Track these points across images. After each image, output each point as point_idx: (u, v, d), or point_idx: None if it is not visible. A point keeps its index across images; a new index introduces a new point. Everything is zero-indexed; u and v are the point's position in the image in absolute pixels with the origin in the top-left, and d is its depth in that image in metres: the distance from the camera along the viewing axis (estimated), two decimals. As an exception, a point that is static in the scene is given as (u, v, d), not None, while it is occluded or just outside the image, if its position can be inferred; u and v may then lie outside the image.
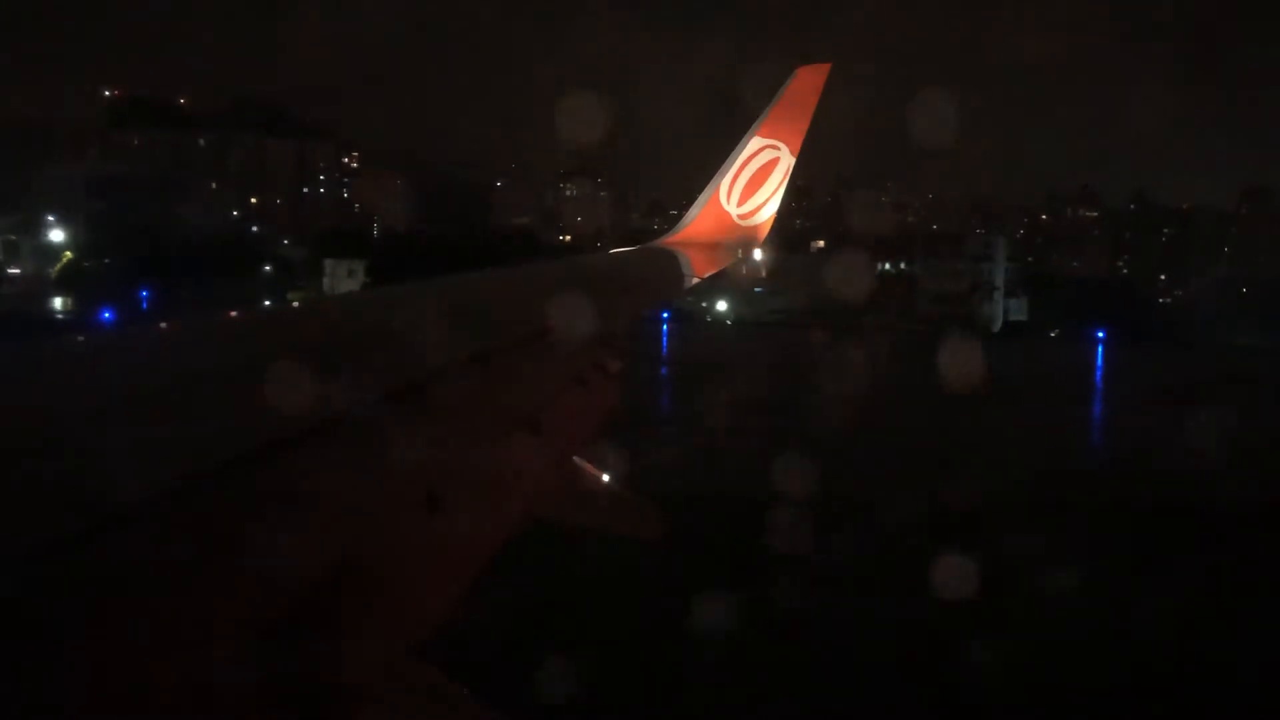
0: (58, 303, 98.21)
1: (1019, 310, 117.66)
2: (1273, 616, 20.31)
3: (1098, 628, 19.29)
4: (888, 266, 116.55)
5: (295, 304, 24.13)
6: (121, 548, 1.84)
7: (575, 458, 4.42)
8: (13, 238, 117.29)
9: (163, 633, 1.75)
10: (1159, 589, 21.20)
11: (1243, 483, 29.84)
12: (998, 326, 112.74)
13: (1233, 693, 17.34)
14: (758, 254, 12.68)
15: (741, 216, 12.24)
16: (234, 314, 4.76)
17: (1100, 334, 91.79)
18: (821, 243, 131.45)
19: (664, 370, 57.95)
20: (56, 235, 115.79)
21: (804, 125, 12.11)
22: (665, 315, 73.71)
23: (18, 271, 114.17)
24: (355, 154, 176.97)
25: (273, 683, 1.85)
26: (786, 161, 12.15)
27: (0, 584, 1.60)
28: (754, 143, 12.11)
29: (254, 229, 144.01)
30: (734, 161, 12.15)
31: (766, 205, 12.30)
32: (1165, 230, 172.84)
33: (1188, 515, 27.36)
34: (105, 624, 1.66)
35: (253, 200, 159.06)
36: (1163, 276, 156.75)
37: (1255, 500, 29.10)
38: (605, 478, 5.02)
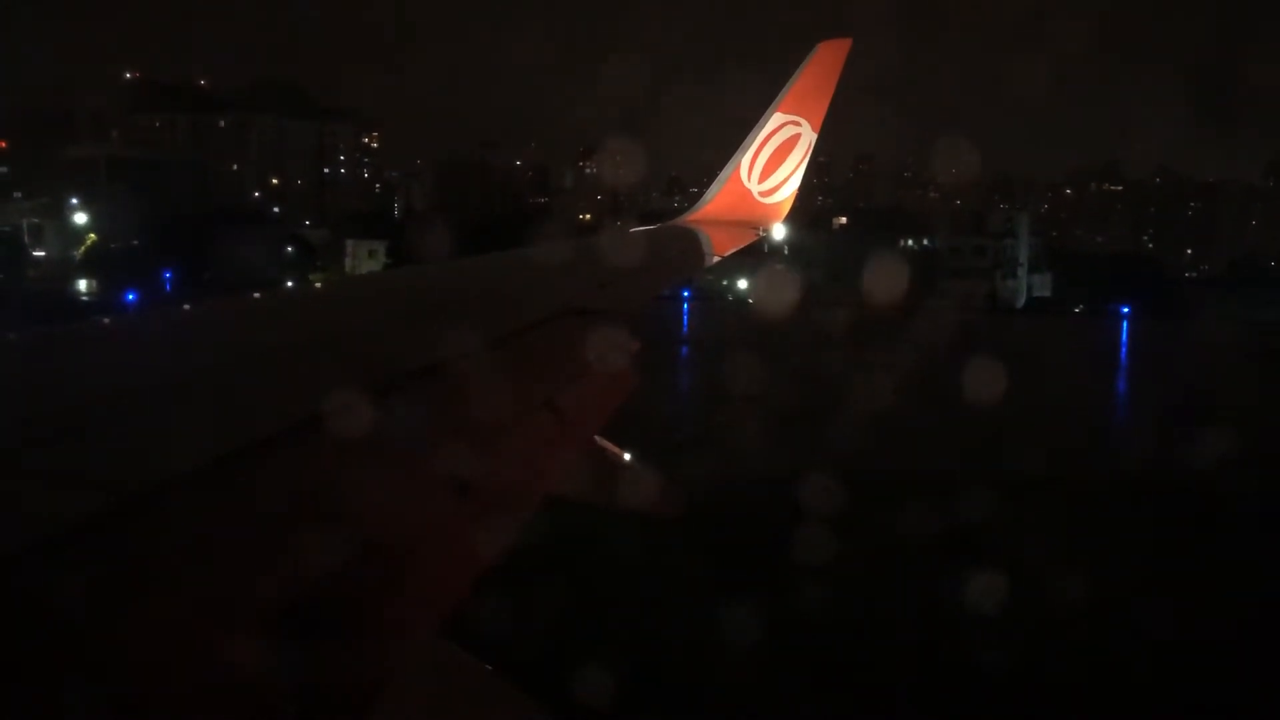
0: (82, 285, 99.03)
1: (1043, 287, 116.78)
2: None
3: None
4: (910, 244, 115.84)
5: (315, 286, 24.24)
6: (141, 530, 1.85)
7: (596, 437, 4.42)
8: (37, 221, 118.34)
9: (189, 612, 1.76)
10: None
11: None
12: (1021, 303, 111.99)
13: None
14: (779, 231, 12.59)
15: (763, 194, 12.15)
16: (252, 298, 4.78)
17: (1124, 310, 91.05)
18: (844, 219, 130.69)
19: (684, 350, 57.95)
20: (80, 218, 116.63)
21: (825, 101, 12.00)
22: (686, 294, 73.67)
23: (42, 254, 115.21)
24: (375, 134, 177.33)
25: (299, 662, 1.86)
26: (808, 138, 12.05)
27: (22, 567, 1.59)
28: (775, 119, 12.00)
29: (275, 210, 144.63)
30: (755, 138, 12.05)
31: (788, 182, 12.20)
32: (1191, 205, 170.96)
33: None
34: (131, 604, 1.69)
35: (273, 181, 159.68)
36: (1189, 251, 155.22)
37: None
38: (626, 457, 5.02)
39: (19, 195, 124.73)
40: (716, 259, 10.70)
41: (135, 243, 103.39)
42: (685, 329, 70.26)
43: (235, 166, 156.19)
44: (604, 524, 18.66)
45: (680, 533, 19.55)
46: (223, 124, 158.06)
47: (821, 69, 11.90)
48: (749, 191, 12.12)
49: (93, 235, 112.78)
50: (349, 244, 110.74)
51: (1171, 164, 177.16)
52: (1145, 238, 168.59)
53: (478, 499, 2.64)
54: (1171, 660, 17.08)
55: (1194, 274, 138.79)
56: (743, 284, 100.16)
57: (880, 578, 19.72)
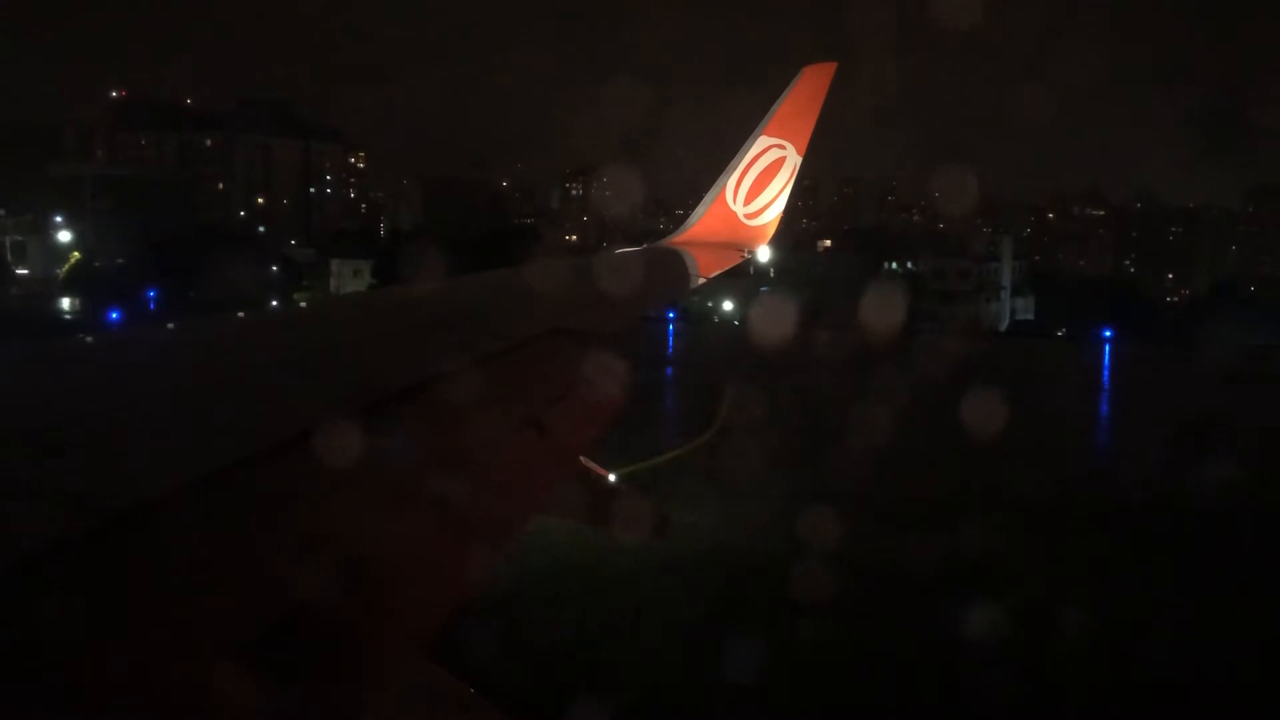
0: (65, 303, 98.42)
1: (1026, 310, 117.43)
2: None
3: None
4: (894, 266, 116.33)
5: (303, 305, 24.18)
6: (132, 544, 1.84)
7: (582, 457, 4.42)
8: (20, 239, 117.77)
9: (168, 631, 1.75)
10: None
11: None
12: (1004, 326, 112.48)
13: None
14: (764, 253, 12.65)
15: (748, 216, 12.22)
16: (237, 316, 4.77)
17: (1107, 334, 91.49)
18: (828, 242, 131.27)
19: (669, 370, 57.85)
20: (64, 236, 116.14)
21: (810, 124, 12.09)
22: (671, 315, 73.67)
23: (25, 272, 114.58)
24: (361, 154, 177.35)
25: (280, 683, 1.84)
26: (793, 161, 12.13)
27: (9, 583, 1.57)
28: (760, 142, 12.09)
29: (260, 229, 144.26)
30: (740, 161, 12.13)
31: (773, 205, 12.28)
32: (1172, 229, 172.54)
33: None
34: (113, 623, 1.68)
35: (259, 200, 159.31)
36: (1170, 275, 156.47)
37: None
38: (612, 477, 5.02)
39: (2, 212, 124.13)
40: (702, 280, 10.74)
41: (120, 261, 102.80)
42: (671, 349, 70.21)
43: (221, 185, 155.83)
44: (588, 545, 18.62)
45: (663, 554, 19.54)
46: (209, 143, 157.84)
47: (806, 92, 12.00)
48: (734, 214, 12.18)
49: (77, 253, 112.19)
50: (334, 263, 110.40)
51: (1153, 189, 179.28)
52: (1127, 262, 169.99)
53: (462, 519, 2.63)
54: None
55: (1175, 298, 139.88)
56: (728, 305, 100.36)
57: (872, 598, 19.63)
